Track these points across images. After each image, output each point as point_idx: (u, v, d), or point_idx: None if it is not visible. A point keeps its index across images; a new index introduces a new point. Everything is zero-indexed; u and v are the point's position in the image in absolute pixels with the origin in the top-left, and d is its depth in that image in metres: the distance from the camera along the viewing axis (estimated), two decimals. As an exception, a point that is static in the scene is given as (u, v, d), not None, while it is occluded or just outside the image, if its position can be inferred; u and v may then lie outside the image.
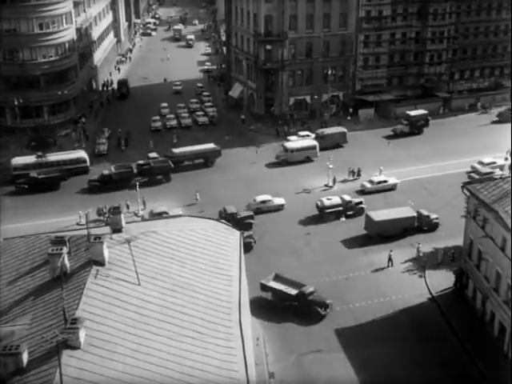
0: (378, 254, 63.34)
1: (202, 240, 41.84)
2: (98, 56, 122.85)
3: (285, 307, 54.78)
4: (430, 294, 57.20)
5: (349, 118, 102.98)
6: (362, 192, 76.94)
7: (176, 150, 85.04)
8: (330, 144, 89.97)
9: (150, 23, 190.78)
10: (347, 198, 71.93)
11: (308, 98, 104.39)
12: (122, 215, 40.44)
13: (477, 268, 53.73)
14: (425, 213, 67.41)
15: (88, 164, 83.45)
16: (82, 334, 29.74)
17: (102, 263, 35.46)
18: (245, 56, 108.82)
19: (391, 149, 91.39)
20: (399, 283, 58.77)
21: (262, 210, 72.11)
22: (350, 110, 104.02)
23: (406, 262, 62.21)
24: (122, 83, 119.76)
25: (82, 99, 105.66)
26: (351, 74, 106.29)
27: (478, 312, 53.41)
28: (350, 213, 71.14)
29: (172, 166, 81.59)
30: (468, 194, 54.76)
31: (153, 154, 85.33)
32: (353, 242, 66.03)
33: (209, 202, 73.25)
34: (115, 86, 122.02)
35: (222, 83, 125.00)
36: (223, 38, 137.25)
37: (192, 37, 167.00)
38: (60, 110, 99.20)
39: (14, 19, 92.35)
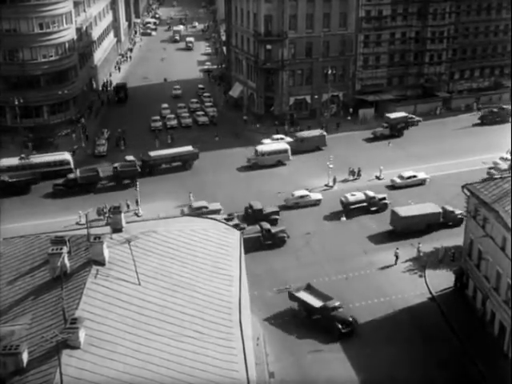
0: (378, 254, 63.42)
1: (202, 240, 41.82)
2: (98, 56, 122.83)
3: (308, 320, 52.97)
4: (430, 293, 57.20)
5: (349, 117, 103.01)
6: (393, 187, 78.20)
7: (152, 153, 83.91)
8: (310, 147, 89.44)
9: (149, 23, 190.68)
10: (371, 193, 72.92)
11: (308, 98, 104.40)
12: (123, 215, 40.42)
13: (477, 268, 53.73)
14: (450, 208, 68.07)
15: (72, 166, 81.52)
16: (81, 334, 29.73)
17: (102, 263, 35.44)
18: (245, 56, 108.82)
19: (391, 149, 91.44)
20: (399, 283, 58.77)
21: (300, 204, 73.35)
22: (350, 109, 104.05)
23: (406, 261, 62.22)
24: (120, 87, 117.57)
25: (81, 99, 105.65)
26: (351, 74, 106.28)
27: (479, 312, 53.40)
28: (374, 208, 72.10)
29: (139, 170, 79.77)
30: (468, 193, 54.77)
31: (130, 157, 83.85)
32: (380, 238, 66.77)
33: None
34: (113, 88, 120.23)
35: (222, 83, 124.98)
36: (223, 38, 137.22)
37: (192, 39, 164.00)
38: (60, 110, 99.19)
39: (13, 19, 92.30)
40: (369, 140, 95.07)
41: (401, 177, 79.00)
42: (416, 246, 63.55)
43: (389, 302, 55.81)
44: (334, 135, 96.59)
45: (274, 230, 65.04)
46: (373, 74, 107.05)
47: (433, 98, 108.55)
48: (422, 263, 61.81)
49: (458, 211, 67.96)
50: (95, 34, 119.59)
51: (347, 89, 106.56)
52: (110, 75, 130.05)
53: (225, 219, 64.69)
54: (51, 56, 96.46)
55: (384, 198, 72.90)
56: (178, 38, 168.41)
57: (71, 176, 78.16)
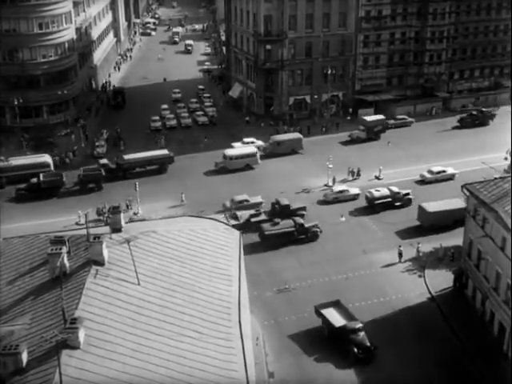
0: (378, 254, 63.45)
1: (201, 240, 41.83)
2: (98, 56, 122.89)
3: (329, 340, 50.55)
4: (430, 293, 57.19)
5: (348, 117, 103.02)
6: (422, 182, 79.04)
7: (127, 157, 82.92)
8: (286, 150, 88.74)
9: (149, 23, 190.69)
10: (395, 189, 73.59)
11: (308, 98, 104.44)
12: (122, 215, 40.42)
13: (476, 268, 53.72)
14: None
15: (52, 168, 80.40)
16: (81, 334, 29.73)
17: (101, 263, 35.44)
18: (244, 56, 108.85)
19: (390, 149, 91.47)
20: (399, 283, 58.78)
21: (339, 199, 74.50)
22: (350, 109, 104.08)
23: (405, 261, 62.24)
24: (118, 92, 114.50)
25: (81, 99, 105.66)
26: (351, 74, 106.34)
27: (478, 312, 53.41)
28: (398, 204, 72.72)
29: (103, 174, 78.60)
30: (467, 193, 54.77)
31: (103, 161, 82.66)
32: (407, 233, 67.19)
33: (195, 203, 73.21)
34: (111, 90, 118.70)
35: (221, 83, 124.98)
36: (223, 38, 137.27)
37: (191, 42, 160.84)
38: (59, 110, 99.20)
39: (13, 19, 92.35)
40: (345, 143, 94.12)
41: (430, 171, 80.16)
42: (415, 246, 63.56)
43: (388, 302, 55.81)
44: (334, 135, 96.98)
45: (307, 224, 66.01)
46: (372, 74, 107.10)
47: (432, 98, 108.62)
48: (421, 263, 61.82)
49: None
50: (95, 33, 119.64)
51: (347, 89, 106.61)
52: (109, 76, 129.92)
53: (251, 215, 67.66)
54: (51, 56, 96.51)
55: (408, 194, 73.69)
56: (177, 39, 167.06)
57: (34, 180, 76.33)
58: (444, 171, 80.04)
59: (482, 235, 52.09)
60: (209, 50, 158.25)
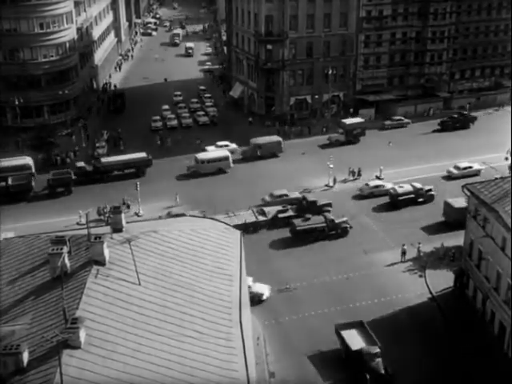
0: (378, 254, 63.50)
1: (202, 240, 41.83)
2: (99, 56, 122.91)
3: (346, 363, 48.34)
4: (431, 293, 57.23)
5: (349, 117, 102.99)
6: (449, 177, 79.67)
7: (104, 160, 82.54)
8: (265, 153, 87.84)
9: (150, 23, 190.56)
10: (418, 185, 74.22)
11: (309, 98, 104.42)
12: (123, 215, 40.43)
13: (477, 268, 53.74)
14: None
15: (33, 171, 78.92)
16: (82, 334, 29.74)
17: (102, 263, 35.44)
18: (245, 56, 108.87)
19: (391, 149, 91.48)
20: (400, 283, 58.81)
21: (375, 194, 75.82)
22: (351, 109, 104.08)
23: (406, 261, 62.25)
24: (117, 95, 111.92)
25: (82, 99, 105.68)
26: (352, 74, 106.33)
27: (478, 312, 53.44)
28: (421, 200, 73.36)
29: (73, 177, 77.64)
30: (468, 193, 54.78)
31: (80, 164, 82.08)
32: (433, 229, 67.74)
33: (188, 204, 73.44)
34: (111, 93, 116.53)
35: (222, 83, 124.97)
36: (224, 38, 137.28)
37: (192, 45, 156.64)
38: (60, 110, 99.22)
39: (14, 19, 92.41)
40: (324, 146, 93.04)
41: (457, 167, 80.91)
42: (416, 245, 63.58)
43: (389, 302, 55.85)
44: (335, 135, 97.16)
45: (337, 220, 66.83)
46: (373, 74, 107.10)
47: (433, 97, 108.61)
48: (422, 263, 61.85)
49: None
50: (96, 33, 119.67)
51: (348, 89, 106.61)
52: (110, 76, 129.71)
53: (279, 211, 68.84)
54: (52, 56, 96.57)
55: (430, 190, 74.28)
56: (177, 41, 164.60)
57: (2, 184, 75.16)
58: (470, 167, 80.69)
59: (482, 235, 52.11)
60: (210, 50, 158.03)
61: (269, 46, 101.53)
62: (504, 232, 48.03)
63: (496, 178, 58.78)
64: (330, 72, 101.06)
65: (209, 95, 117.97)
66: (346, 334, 48.78)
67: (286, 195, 73.18)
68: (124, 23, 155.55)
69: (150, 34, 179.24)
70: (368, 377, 45.45)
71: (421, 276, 59.96)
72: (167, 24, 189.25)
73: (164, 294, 35.47)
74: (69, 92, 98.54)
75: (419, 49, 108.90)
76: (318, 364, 48.77)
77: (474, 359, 48.47)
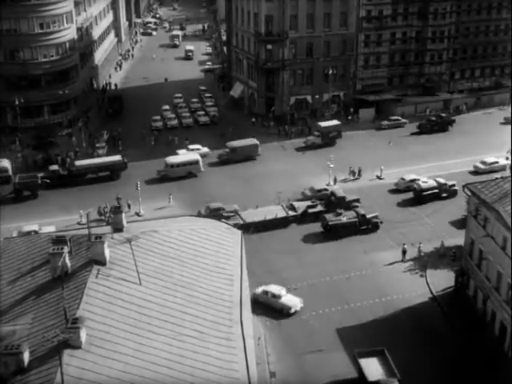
0: (379, 254, 63.47)
1: (203, 239, 41.83)
2: (99, 55, 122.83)
3: None
4: (431, 293, 57.21)
5: (349, 117, 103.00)
6: (476, 173, 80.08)
7: (78, 163, 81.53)
8: (242, 157, 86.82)
9: (150, 23, 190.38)
10: (442, 180, 75.37)
11: (309, 98, 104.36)
12: (123, 215, 40.43)
13: (478, 268, 53.72)
14: None
15: (10, 174, 76.83)
16: (83, 334, 29.74)
17: (103, 263, 35.46)
18: (245, 55, 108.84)
19: (391, 148, 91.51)
20: (400, 283, 58.80)
21: (410, 189, 76.17)
22: (351, 109, 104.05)
23: (407, 261, 62.26)
24: (115, 98, 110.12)
25: (82, 99, 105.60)
26: (352, 74, 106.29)
27: (479, 311, 53.41)
28: (444, 195, 74.11)
29: (39, 182, 76.58)
30: (469, 193, 54.76)
31: (54, 167, 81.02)
32: (461, 224, 66.99)
33: (181, 204, 73.33)
34: (109, 95, 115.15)
35: (222, 83, 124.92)
36: (224, 38, 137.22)
37: (192, 47, 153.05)
38: (61, 110, 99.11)
39: (14, 19, 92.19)
40: (300, 149, 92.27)
41: (483, 162, 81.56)
42: (417, 245, 63.58)
43: (390, 302, 55.84)
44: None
45: (368, 215, 67.65)
46: (373, 74, 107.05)
47: (433, 97, 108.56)
48: (422, 263, 61.84)
49: None
50: (96, 33, 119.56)
51: (348, 88, 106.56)
52: (110, 77, 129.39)
53: (308, 206, 69.78)
54: (52, 56, 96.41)
55: (453, 185, 74.69)
56: (177, 42, 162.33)
57: None
58: (497, 162, 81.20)
59: (483, 235, 52.08)
60: (210, 50, 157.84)
61: (269, 46, 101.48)
62: (504, 232, 48.01)
63: (496, 178, 58.76)
64: (330, 72, 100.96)
65: (209, 95, 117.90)
66: (364, 362, 45.82)
67: (326, 190, 74.72)
68: (124, 23, 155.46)
69: (149, 34, 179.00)
70: None
71: (421, 276, 59.95)
72: (166, 25, 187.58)
73: (165, 293, 35.47)
74: (69, 92, 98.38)
75: (419, 48, 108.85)
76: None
77: (474, 359, 48.45)
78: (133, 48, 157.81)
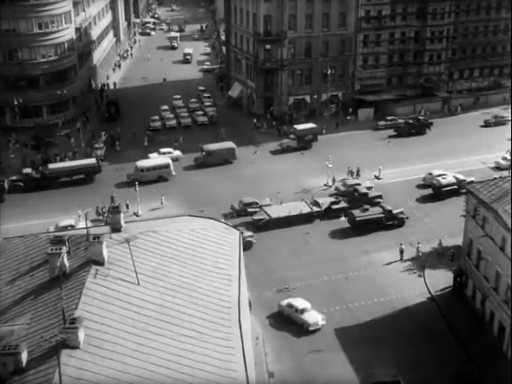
0: (378, 254, 63.49)
1: (201, 239, 41.79)
2: (98, 55, 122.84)
3: None
4: (430, 293, 57.24)
5: (348, 117, 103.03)
6: (498, 169, 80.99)
7: (51, 166, 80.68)
8: (218, 160, 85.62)
9: (149, 23, 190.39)
10: (461, 176, 76.26)
11: (307, 98, 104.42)
12: (122, 215, 40.39)
13: (476, 268, 53.73)
14: None
15: None
16: (81, 334, 29.70)
17: (101, 263, 35.40)
18: (244, 56, 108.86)
19: (391, 149, 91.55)
20: (399, 283, 58.82)
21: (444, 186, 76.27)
22: (350, 109, 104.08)
23: (405, 261, 62.29)
24: (111, 103, 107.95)
25: (81, 99, 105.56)
26: (350, 74, 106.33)
27: (478, 312, 53.43)
28: (463, 191, 73.51)
29: (7, 186, 75.75)
30: (467, 193, 54.80)
31: (27, 170, 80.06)
32: None
33: (175, 205, 73.33)
34: (104, 103, 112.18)
35: (221, 83, 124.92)
36: (223, 38, 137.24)
37: (190, 50, 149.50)
38: (59, 110, 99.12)
39: (13, 19, 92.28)
40: (275, 152, 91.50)
41: (505, 158, 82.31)
42: (415, 245, 63.61)
43: (388, 302, 55.85)
44: (334, 135, 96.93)
45: (394, 211, 68.59)
46: (372, 74, 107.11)
47: (432, 97, 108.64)
48: (421, 263, 61.86)
49: None
50: (94, 33, 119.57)
51: (346, 88, 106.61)
52: (108, 78, 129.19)
53: (332, 202, 70.61)
54: (50, 56, 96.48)
55: (472, 181, 74.02)
56: (175, 44, 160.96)
57: None
58: None
59: (481, 235, 52.10)
60: (208, 50, 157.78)
61: (267, 46, 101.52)
62: (503, 232, 48.02)
63: (495, 178, 58.76)
64: (329, 72, 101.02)
65: (208, 95, 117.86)
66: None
67: (359, 184, 75.63)
68: (123, 23, 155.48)
69: (148, 34, 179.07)
70: None
71: (420, 276, 59.99)
72: (164, 27, 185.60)
73: (163, 293, 35.43)
74: (67, 92, 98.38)
75: (418, 48, 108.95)
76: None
77: (473, 359, 48.46)
78: (131, 48, 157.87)
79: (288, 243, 66.04)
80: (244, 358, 32.39)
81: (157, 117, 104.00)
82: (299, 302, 53.82)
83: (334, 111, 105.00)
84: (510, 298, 47.59)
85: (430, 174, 78.59)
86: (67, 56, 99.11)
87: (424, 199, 75.45)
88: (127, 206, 71.97)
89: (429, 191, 76.65)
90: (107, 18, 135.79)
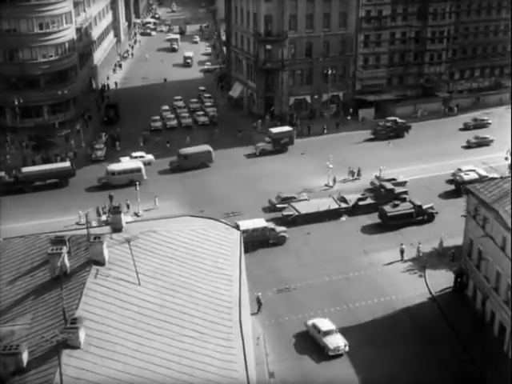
0: (379, 254, 63.47)
1: (202, 240, 41.81)
2: (98, 56, 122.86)
3: None
4: (430, 293, 57.21)
5: (349, 117, 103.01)
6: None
7: (24, 169, 79.48)
8: (194, 164, 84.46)
9: (149, 23, 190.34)
10: (484, 173, 76.72)
11: (308, 98, 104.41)
12: (122, 215, 40.41)
13: (477, 268, 53.72)
14: None
15: None
16: (81, 334, 29.72)
17: (101, 263, 35.42)
18: (245, 56, 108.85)
19: (391, 149, 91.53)
20: (399, 283, 58.79)
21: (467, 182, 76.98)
22: (350, 109, 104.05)
23: (406, 261, 62.27)
24: (110, 107, 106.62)
25: (81, 99, 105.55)
26: (351, 74, 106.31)
27: (478, 312, 53.41)
28: None
29: None
30: (468, 193, 54.80)
31: (0, 174, 78.61)
32: None
33: (169, 206, 73.06)
34: (103, 106, 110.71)
35: (222, 83, 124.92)
36: (223, 38, 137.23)
37: (191, 54, 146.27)
38: (60, 110, 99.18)
39: (13, 19, 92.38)
40: (250, 156, 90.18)
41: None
42: (416, 245, 63.60)
43: (389, 302, 55.82)
44: (335, 135, 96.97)
45: (424, 206, 69.27)
46: (373, 74, 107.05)
47: (433, 97, 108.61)
48: (421, 263, 61.84)
49: None
50: (95, 33, 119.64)
51: (347, 89, 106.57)
52: (108, 78, 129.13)
53: (359, 198, 72.32)
54: (51, 56, 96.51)
55: (495, 178, 74.58)
56: (175, 46, 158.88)
57: None
58: None
59: (482, 235, 52.08)
60: (209, 50, 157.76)
61: (268, 46, 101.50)
62: (504, 232, 48.01)
63: (495, 178, 58.78)
64: (330, 72, 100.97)
65: (208, 95, 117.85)
66: None
67: (395, 179, 76.98)
68: (123, 23, 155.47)
69: (149, 34, 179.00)
70: None
71: (420, 276, 59.96)
72: (163, 29, 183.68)
73: (163, 293, 35.45)
74: (68, 92, 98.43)
75: (418, 49, 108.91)
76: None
77: (474, 359, 48.44)
78: (132, 48, 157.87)
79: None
80: (245, 358, 32.42)
81: (157, 117, 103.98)
82: (323, 324, 50.84)
83: (334, 111, 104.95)
84: (510, 298, 47.57)
85: (460, 169, 78.98)
86: (68, 56, 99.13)
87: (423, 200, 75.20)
88: (128, 207, 71.96)
89: (428, 192, 76.35)
90: (108, 19, 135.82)
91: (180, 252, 39.60)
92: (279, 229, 65.64)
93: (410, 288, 57.87)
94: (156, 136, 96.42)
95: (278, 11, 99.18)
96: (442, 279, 58.88)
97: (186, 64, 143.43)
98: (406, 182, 77.68)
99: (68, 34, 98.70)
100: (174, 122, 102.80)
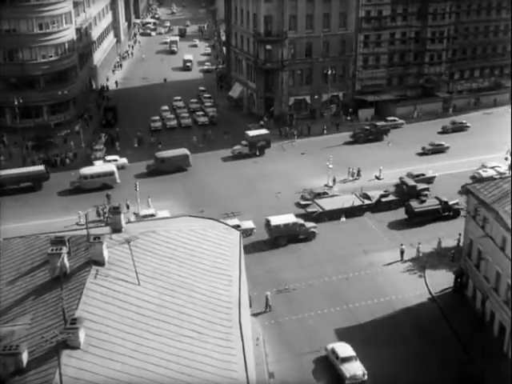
0: (378, 254, 63.47)
1: (201, 240, 41.80)
2: (98, 56, 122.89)
3: None
4: (430, 294, 57.20)
5: (348, 117, 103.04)
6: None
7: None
8: (171, 167, 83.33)
9: (149, 23, 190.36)
10: (502, 170, 77.99)
11: (308, 98, 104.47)
12: (122, 215, 40.39)
13: (477, 268, 53.72)
14: None
15: None
16: (81, 334, 29.72)
17: (101, 263, 35.42)
18: (245, 56, 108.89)
19: (390, 149, 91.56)
20: (399, 283, 58.78)
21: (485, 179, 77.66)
22: (350, 109, 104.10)
23: (406, 261, 62.27)
24: (108, 109, 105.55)
25: (81, 99, 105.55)
26: (351, 74, 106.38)
27: (478, 312, 53.41)
28: None
29: None
30: (468, 193, 54.80)
31: None
32: None
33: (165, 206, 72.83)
34: (102, 109, 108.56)
35: (221, 83, 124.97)
36: (223, 38, 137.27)
37: (190, 57, 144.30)
38: (60, 110, 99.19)
39: (13, 19, 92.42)
40: (227, 159, 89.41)
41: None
42: (416, 246, 63.61)
43: (389, 303, 55.82)
44: (335, 135, 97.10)
45: (450, 202, 70.20)
46: (373, 74, 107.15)
47: (433, 98, 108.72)
48: (421, 263, 61.85)
49: None
50: (95, 34, 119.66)
51: (347, 89, 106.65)
52: (108, 79, 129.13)
53: (382, 195, 73.08)
54: (51, 56, 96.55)
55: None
56: (175, 49, 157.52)
57: None
58: None
59: (482, 235, 52.09)
60: (209, 51, 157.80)
61: (268, 46, 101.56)
62: (504, 232, 48.02)
63: (495, 179, 58.81)
64: (330, 72, 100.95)
65: (208, 95, 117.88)
66: None
67: (423, 174, 78.84)
68: (123, 23, 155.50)
69: (149, 35, 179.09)
70: None
71: (420, 276, 59.95)
72: (162, 31, 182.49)
73: (163, 294, 35.44)
74: (68, 92, 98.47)
75: (418, 49, 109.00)
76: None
77: (473, 360, 48.44)
78: (132, 48, 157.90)
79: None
80: (244, 358, 32.40)
81: (157, 117, 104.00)
82: (342, 349, 47.94)
83: (334, 111, 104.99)
84: (510, 298, 47.58)
85: (484, 166, 79.37)
86: (68, 56, 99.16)
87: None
88: (128, 207, 71.94)
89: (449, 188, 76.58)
90: (107, 19, 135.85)
91: (179, 252, 39.60)
92: (309, 224, 66.63)
93: (409, 288, 57.87)
94: (151, 136, 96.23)
95: (278, 11, 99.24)
96: (441, 279, 58.88)
97: (186, 68, 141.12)
98: (434, 177, 78.85)
99: (68, 34, 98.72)
100: (173, 123, 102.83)
